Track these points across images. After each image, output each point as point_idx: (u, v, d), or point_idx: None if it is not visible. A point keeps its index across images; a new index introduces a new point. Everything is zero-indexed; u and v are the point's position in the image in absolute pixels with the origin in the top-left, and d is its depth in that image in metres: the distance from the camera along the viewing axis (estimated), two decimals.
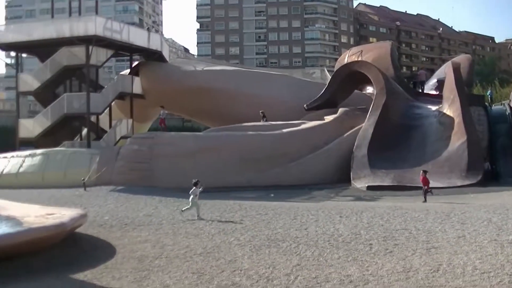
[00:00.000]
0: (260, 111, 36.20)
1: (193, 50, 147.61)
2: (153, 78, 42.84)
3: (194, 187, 19.87)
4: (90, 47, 38.01)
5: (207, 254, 13.63)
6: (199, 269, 12.18)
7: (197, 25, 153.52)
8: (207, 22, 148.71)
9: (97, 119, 40.78)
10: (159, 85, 42.47)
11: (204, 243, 14.88)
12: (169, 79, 42.32)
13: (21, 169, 32.46)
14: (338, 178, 30.55)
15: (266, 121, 35.61)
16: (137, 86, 42.86)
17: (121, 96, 41.53)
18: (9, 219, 14.47)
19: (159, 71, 42.95)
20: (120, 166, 30.51)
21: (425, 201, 23.24)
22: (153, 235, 16.35)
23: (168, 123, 78.67)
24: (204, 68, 43.57)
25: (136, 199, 24.88)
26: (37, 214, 15.45)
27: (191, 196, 19.77)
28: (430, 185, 24.18)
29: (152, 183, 29.09)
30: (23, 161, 32.96)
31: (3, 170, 32.63)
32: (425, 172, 24.56)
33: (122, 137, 39.32)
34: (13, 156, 34.11)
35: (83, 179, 29.10)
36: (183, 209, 19.77)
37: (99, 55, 40.29)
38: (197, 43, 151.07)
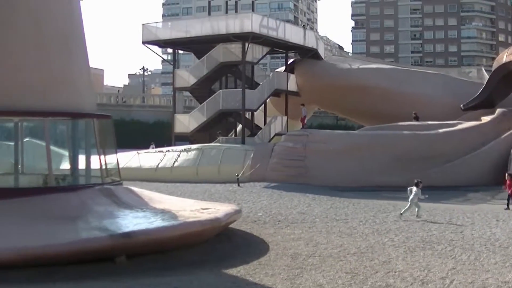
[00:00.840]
0: (413, 112, 35.40)
1: (348, 48, 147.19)
2: (309, 75, 42.93)
3: (414, 187, 19.46)
4: (246, 44, 38.61)
5: (360, 254, 13.46)
6: (352, 269, 12.05)
7: (352, 23, 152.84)
8: (362, 20, 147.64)
9: (252, 115, 41.37)
10: (314, 83, 42.59)
11: (358, 243, 14.72)
12: (325, 77, 42.22)
13: (176, 164, 33.48)
14: (494, 180, 29.34)
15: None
16: (292, 84, 42.76)
17: (276, 93, 41.89)
18: (165, 212, 14.88)
19: (315, 68, 43.00)
20: (274, 163, 30.59)
21: (507, 208, 22.25)
22: (306, 233, 16.36)
23: (322, 121, 78.70)
24: (360, 66, 43.11)
25: (289, 196, 24.97)
26: (192, 208, 15.80)
27: (411, 196, 19.36)
28: None
29: (306, 180, 28.98)
30: (178, 156, 33.96)
31: (158, 164, 33.88)
32: (510, 175, 23.36)
33: (276, 134, 39.70)
34: (168, 151, 35.30)
35: (237, 175, 29.55)
36: (401, 213, 19.31)
37: (255, 52, 40.87)
38: (352, 41, 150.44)
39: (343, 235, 15.84)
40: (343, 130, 47.26)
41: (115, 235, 12.36)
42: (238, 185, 28.93)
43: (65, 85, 16.25)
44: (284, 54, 45.47)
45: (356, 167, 29.25)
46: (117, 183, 17.27)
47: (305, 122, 41.73)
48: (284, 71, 44.14)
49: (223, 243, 14.71)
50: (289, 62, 44.91)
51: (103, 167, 17.14)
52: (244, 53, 38.61)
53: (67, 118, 16.71)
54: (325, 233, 16.21)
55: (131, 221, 13.79)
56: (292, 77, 43.27)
